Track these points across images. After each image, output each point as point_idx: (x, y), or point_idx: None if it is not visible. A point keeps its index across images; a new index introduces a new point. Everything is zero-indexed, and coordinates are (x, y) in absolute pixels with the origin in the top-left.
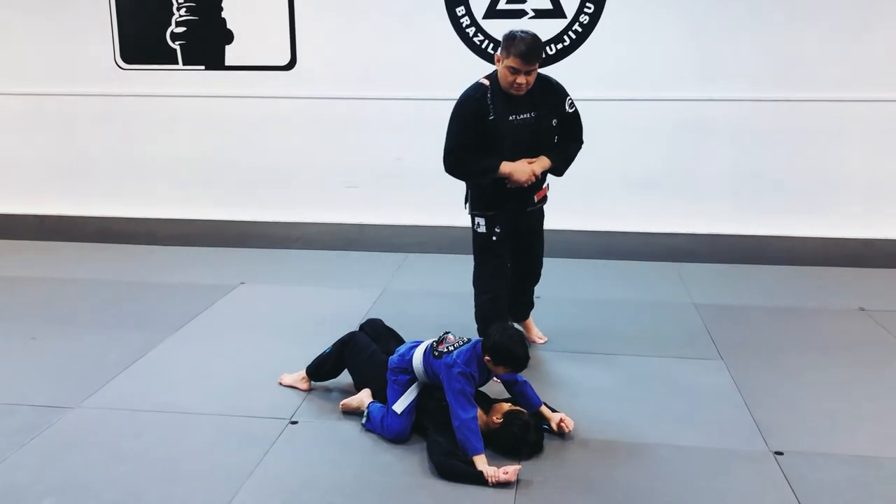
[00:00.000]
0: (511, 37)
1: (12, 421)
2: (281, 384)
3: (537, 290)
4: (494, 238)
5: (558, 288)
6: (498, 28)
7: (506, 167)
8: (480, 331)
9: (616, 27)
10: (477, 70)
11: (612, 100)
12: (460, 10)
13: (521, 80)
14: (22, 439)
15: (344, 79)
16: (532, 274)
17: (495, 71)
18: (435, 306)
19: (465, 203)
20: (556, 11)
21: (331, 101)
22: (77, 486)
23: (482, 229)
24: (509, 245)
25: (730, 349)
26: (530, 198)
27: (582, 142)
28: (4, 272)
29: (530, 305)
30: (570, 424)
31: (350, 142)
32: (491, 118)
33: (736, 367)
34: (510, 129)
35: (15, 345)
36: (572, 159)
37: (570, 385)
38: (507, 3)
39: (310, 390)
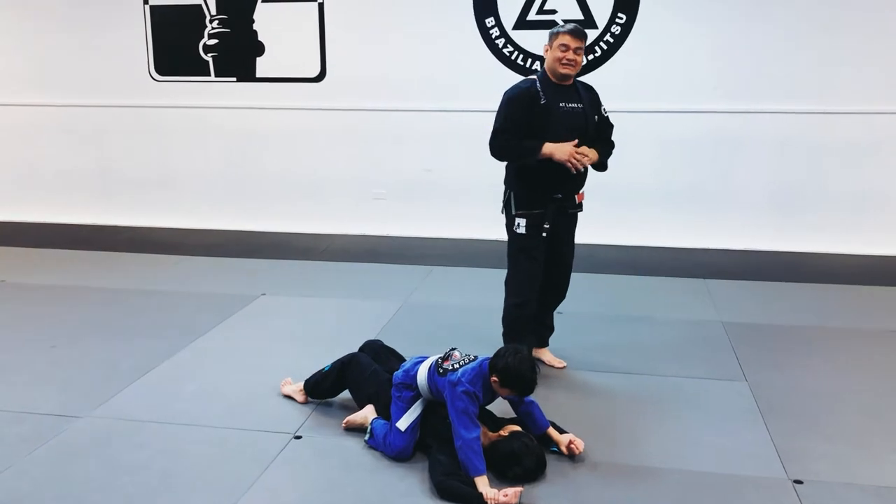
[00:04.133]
0: (557, 27)
1: (21, 428)
2: (282, 391)
3: (559, 306)
4: (544, 234)
5: (582, 303)
6: (527, 39)
7: (548, 147)
8: (505, 336)
9: (648, 38)
10: (507, 81)
11: (643, 112)
12: (490, 21)
13: (571, 55)
14: (29, 447)
15: (373, 90)
16: (559, 291)
17: (541, 71)
18: (452, 321)
19: (504, 206)
20: (587, 22)
21: (360, 112)
22: (76, 496)
23: (521, 230)
24: (544, 251)
25: (755, 370)
26: (573, 197)
27: (614, 144)
28: (33, 280)
29: (551, 330)
30: (580, 446)
31: (379, 153)
32: (542, 102)
33: (759, 388)
34: (561, 115)
35: (35, 353)
36: (609, 156)
37: (584, 404)
38: (537, 13)
39: (306, 403)
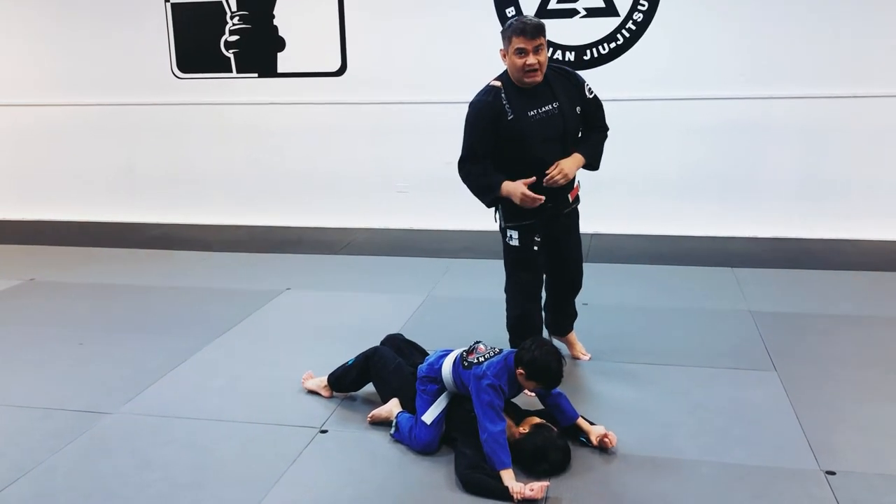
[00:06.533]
0: (507, 25)
1: (51, 425)
2: (304, 386)
3: (585, 296)
4: (535, 248)
5: (608, 294)
6: (549, 29)
7: (504, 188)
8: (511, 342)
9: (671, 24)
10: None
11: (666, 99)
12: (510, 12)
13: (532, 59)
14: (58, 444)
15: (394, 84)
16: (572, 283)
17: (505, 71)
18: (475, 313)
19: (496, 217)
20: (609, 10)
21: (381, 106)
22: (106, 492)
23: (515, 242)
24: (544, 255)
25: (785, 360)
26: (565, 198)
27: (607, 128)
28: (61, 278)
29: (573, 317)
30: (613, 440)
31: (400, 147)
32: (510, 118)
33: (790, 379)
34: (533, 126)
35: (63, 350)
36: (602, 149)
37: (611, 396)
38: (557, 2)
39: (331, 397)
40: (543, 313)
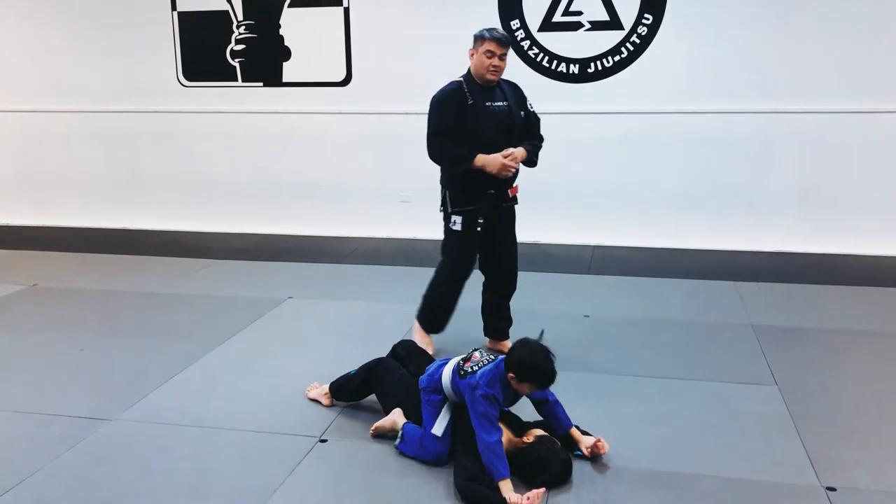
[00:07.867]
0: (483, 32)
1: (52, 431)
2: (307, 396)
3: (587, 308)
4: (478, 229)
5: (611, 306)
6: (553, 41)
7: (480, 160)
8: (420, 313)
9: (675, 38)
10: (531, 83)
11: (670, 112)
12: (515, 24)
13: (497, 62)
14: (58, 450)
15: (399, 94)
16: (508, 280)
17: (466, 73)
18: (476, 323)
19: (441, 205)
20: (613, 23)
21: (386, 115)
22: (105, 499)
23: (457, 227)
24: (481, 247)
25: (786, 374)
26: (505, 193)
27: (542, 139)
28: (64, 284)
29: (509, 322)
30: (604, 447)
31: (404, 156)
32: (470, 103)
33: (791, 393)
34: (488, 114)
35: (65, 356)
36: (538, 152)
37: (612, 409)
38: (562, 15)
39: (332, 406)
40: (481, 317)
